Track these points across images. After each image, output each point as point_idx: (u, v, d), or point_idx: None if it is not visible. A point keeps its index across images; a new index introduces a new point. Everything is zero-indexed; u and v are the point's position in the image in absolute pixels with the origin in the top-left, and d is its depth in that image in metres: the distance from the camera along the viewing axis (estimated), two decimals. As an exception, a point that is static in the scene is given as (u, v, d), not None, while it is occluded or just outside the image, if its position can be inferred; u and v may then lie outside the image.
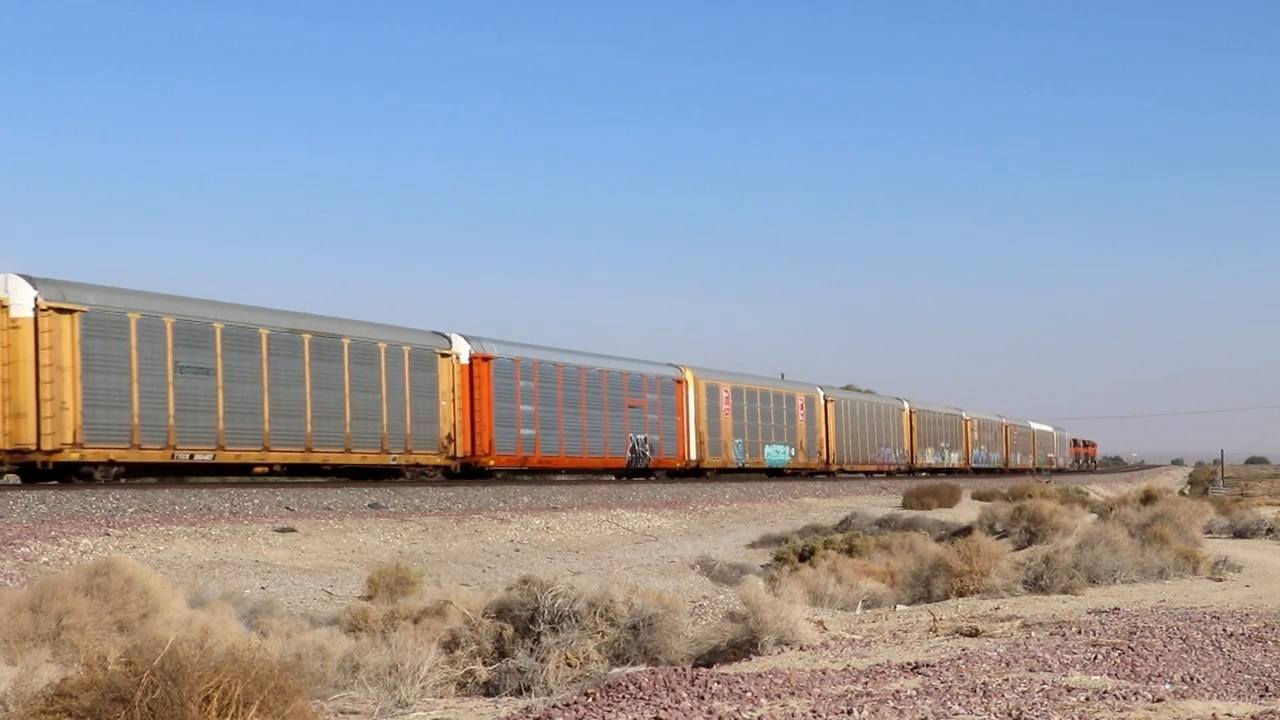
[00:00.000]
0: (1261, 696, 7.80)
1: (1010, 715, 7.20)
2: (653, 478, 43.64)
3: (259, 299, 33.29)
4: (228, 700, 6.24)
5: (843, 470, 58.78)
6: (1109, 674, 8.60)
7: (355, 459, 31.78)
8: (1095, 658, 9.30)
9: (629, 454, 42.86)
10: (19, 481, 25.65)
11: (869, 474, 60.47)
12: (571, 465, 40.69)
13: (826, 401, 58.23)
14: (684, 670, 9.10)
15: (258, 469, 30.32)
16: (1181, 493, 59.82)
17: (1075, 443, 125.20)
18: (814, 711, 7.47)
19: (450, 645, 10.68)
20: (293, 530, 21.36)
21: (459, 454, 34.95)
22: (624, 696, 8.19)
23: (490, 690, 10.12)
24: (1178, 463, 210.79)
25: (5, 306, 24.74)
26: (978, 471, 74.63)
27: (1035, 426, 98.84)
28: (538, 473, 39.24)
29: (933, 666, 9.05)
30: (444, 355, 34.74)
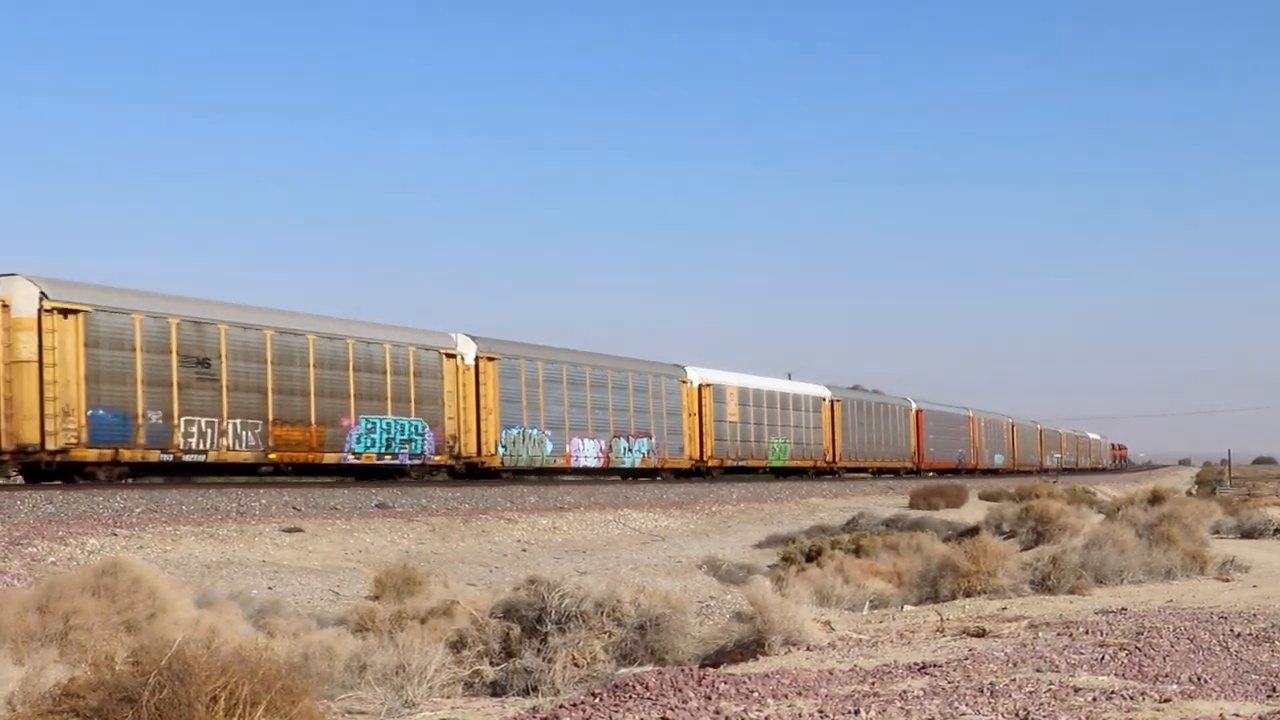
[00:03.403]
0: (1269, 697, 7.78)
1: (1017, 715, 7.19)
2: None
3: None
4: (235, 700, 6.24)
5: (1018, 470, 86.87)
6: (1116, 674, 8.58)
7: (873, 464, 64.47)
8: (1102, 658, 9.29)
9: (956, 461, 75.28)
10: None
11: (1028, 472, 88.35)
12: (938, 467, 70.93)
13: (1013, 425, 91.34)
14: (691, 670, 9.10)
15: (861, 470, 62.57)
16: (1188, 493, 59.75)
17: (1113, 446, 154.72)
18: (821, 712, 7.46)
19: (457, 645, 10.67)
20: (300, 530, 21.38)
21: (914, 463, 68.25)
22: (631, 696, 8.18)
23: (497, 690, 10.11)
24: (1184, 463, 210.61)
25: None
26: (1063, 470, 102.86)
27: (1090, 435, 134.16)
28: (934, 471, 69.75)
29: (940, 667, 9.04)
30: (907, 409, 67.76)
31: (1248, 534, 25.31)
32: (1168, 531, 17.95)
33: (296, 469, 31.51)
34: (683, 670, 9.05)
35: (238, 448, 28.97)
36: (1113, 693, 7.77)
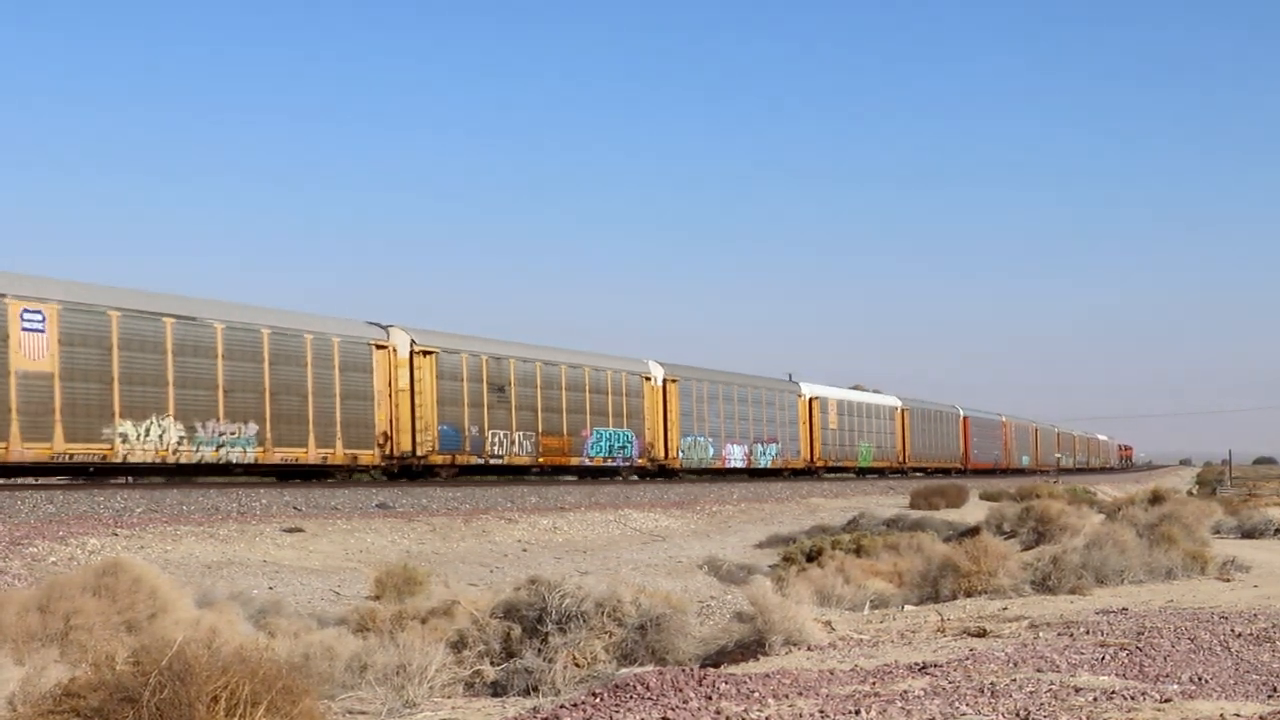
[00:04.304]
0: (1269, 697, 7.78)
1: (1018, 715, 7.19)
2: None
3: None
4: (235, 700, 6.24)
5: (1040, 469, 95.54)
6: (1117, 674, 8.58)
7: (931, 464, 71.78)
8: (1103, 658, 9.29)
9: (994, 462, 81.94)
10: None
11: (1048, 470, 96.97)
12: (980, 467, 78.05)
13: (1036, 429, 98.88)
14: (691, 670, 9.10)
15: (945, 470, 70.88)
16: (1189, 493, 59.71)
17: (1120, 447, 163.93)
18: (821, 712, 7.46)
19: (458, 645, 10.67)
20: (300, 530, 21.37)
21: (962, 464, 75.25)
22: (631, 697, 8.18)
23: (498, 690, 10.11)
24: (1185, 463, 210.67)
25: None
26: (1076, 469, 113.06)
27: (1100, 436, 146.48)
28: (976, 471, 75.58)
29: (940, 667, 9.04)
30: (956, 416, 76.06)
31: (1248, 534, 25.30)
32: (1168, 531, 17.94)
33: (554, 470, 40.00)
34: (683, 670, 9.05)
35: (520, 454, 37.64)
36: (1113, 693, 7.77)
